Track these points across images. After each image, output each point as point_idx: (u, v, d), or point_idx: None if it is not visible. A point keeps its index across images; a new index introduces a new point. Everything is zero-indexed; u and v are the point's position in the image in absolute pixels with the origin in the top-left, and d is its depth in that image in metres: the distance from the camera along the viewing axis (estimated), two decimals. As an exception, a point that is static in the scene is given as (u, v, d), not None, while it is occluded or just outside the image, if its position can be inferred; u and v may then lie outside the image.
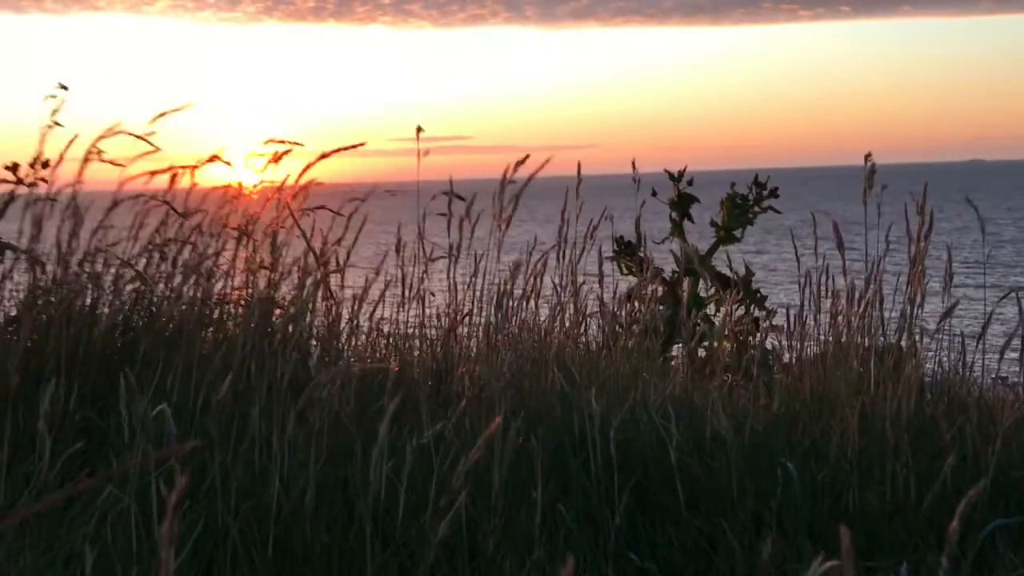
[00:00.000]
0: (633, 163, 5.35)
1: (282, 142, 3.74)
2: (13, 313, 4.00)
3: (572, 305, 3.91)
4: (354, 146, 3.56)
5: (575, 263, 3.97)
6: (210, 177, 4.14)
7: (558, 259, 3.93)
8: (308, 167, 3.66)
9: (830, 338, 4.26)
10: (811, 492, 3.49)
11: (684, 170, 6.75)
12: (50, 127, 3.78)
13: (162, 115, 3.74)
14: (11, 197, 4.53)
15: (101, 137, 3.69)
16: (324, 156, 3.58)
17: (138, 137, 3.68)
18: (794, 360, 4.23)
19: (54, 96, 3.76)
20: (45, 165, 5.16)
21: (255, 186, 3.88)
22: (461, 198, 3.69)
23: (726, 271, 6.71)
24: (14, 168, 5.12)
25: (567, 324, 3.75)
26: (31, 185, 4.62)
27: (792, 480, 3.41)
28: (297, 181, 3.69)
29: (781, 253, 39.01)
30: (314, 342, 3.64)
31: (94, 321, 3.32)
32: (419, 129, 3.64)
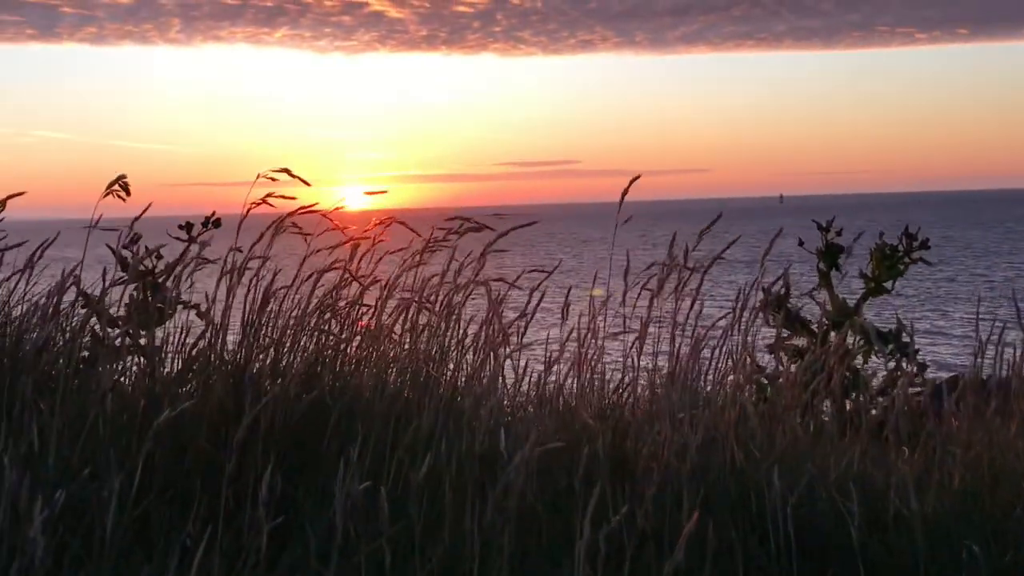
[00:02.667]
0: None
1: (468, 219, 3.82)
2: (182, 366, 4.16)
3: (743, 374, 3.87)
4: (529, 223, 3.61)
5: (748, 333, 3.93)
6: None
7: (736, 330, 3.90)
8: (490, 244, 3.72)
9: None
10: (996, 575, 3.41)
11: (832, 220, 6.66)
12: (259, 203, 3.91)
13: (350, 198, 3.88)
14: (185, 252, 4.71)
15: (294, 213, 3.82)
16: (504, 234, 3.64)
17: (326, 216, 3.81)
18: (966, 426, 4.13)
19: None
20: (217, 224, 5.36)
21: (430, 251, 3.96)
22: (689, 268, 3.66)
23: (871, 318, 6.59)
24: (187, 227, 5.34)
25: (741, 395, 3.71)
26: (203, 244, 4.80)
27: (977, 562, 3.33)
28: (483, 256, 3.75)
29: (908, 277, 37.88)
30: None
31: (280, 387, 3.41)
32: (636, 177, 3.61)
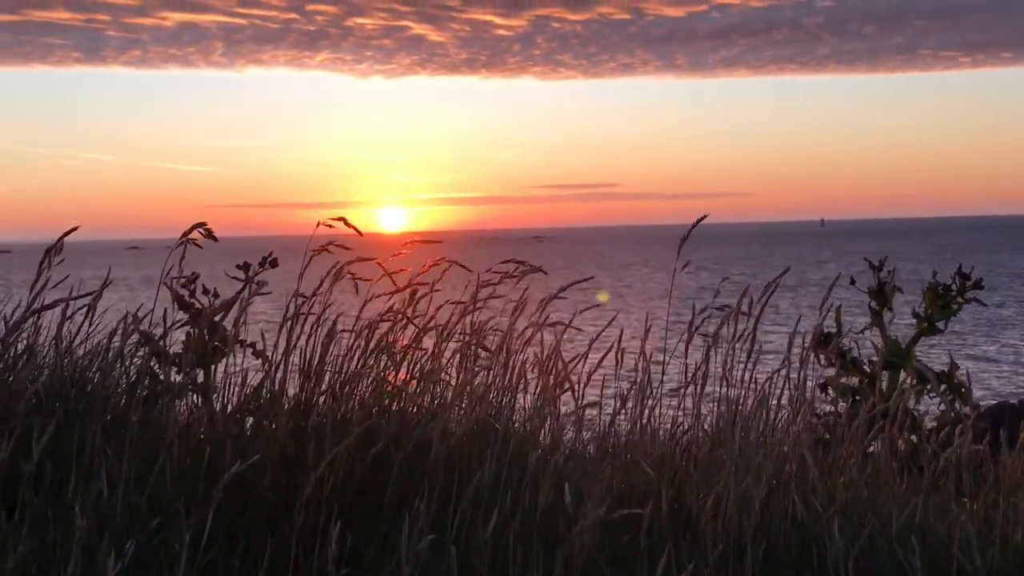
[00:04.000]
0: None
1: (522, 262, 3.88)
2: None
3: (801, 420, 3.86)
4: (584, 280, 3.67)
5: (804, 383, 3.92)
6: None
7: (790, 384, 3.89)
8: (551, 298, 3.76)
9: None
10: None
11: (885, 259, 6.63)
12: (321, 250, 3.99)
13: (412, 242, 3.94)
14: (241, 292, 4.78)
15: (352, 262, 3.88)
16: (564, 289, 3.70)
17: (387, 273, 3.88)
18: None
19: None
20: (274, 264, 5.43)
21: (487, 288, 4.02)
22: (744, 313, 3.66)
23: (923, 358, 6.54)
24: (244, 267, 5.40)
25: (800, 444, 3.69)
26: (261, 284, 4.87)
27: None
28: (544, 304, 3.79)
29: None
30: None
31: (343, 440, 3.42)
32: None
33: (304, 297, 3.99)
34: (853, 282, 6.72)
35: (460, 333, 4.05)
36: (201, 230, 3.96)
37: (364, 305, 3.98)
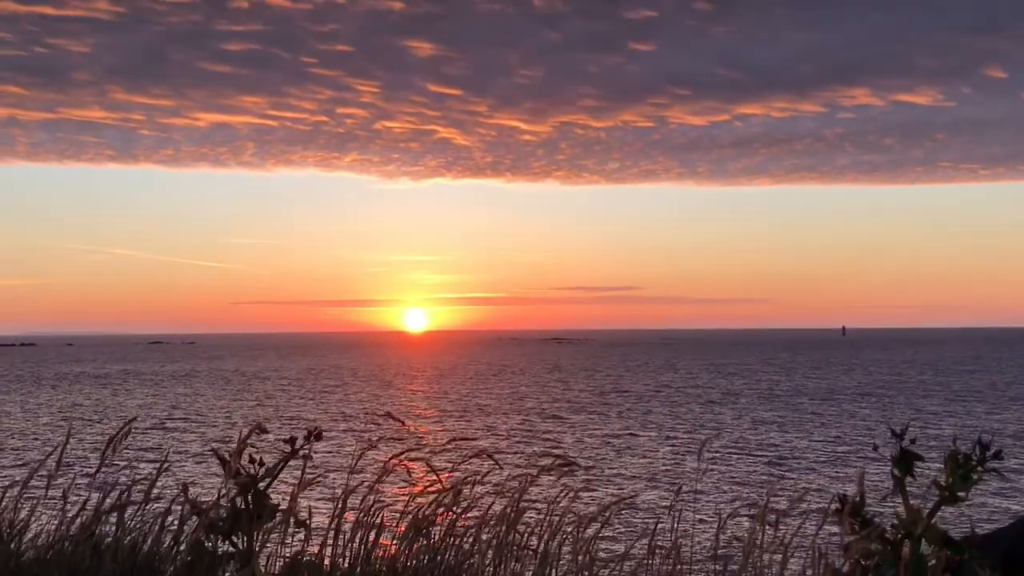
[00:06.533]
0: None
1: (559, 456, 4.13)
2: None
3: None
4: (627, 497, 3.86)
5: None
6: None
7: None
8: (589, 521, 3.99)
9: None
10: None
11: (907, 427, 6.80)
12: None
13: (456, 439, 4.20)
14: (284, 463, 5.03)
15: (398, 455, 4.12)
16: (605, 509, 3.92)
17: (434, 472, 4.12)
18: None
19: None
20: (319, 437, 5.69)
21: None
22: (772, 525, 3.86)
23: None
24: (291, 441, 5.67)
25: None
26: (305, 457, 5.13)
27: None
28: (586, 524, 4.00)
29: (992, 411, 36.63)
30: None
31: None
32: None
33: (354, 490, 4.22)
34: (876, 448, 6.91)
35: (498, 527, 4.25)
36: (258, 429, 4.21)
37: (410, 500, 4.21)
